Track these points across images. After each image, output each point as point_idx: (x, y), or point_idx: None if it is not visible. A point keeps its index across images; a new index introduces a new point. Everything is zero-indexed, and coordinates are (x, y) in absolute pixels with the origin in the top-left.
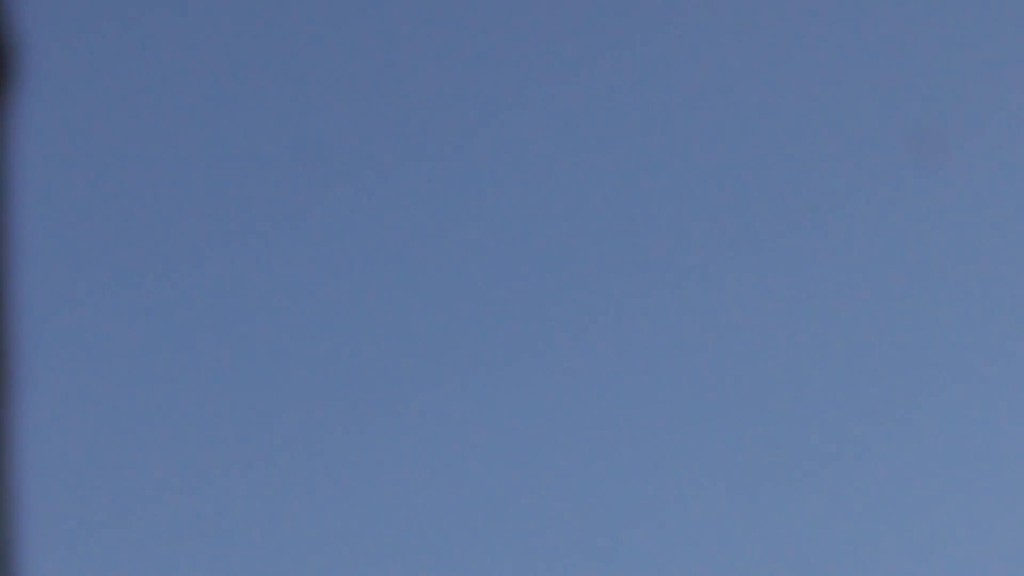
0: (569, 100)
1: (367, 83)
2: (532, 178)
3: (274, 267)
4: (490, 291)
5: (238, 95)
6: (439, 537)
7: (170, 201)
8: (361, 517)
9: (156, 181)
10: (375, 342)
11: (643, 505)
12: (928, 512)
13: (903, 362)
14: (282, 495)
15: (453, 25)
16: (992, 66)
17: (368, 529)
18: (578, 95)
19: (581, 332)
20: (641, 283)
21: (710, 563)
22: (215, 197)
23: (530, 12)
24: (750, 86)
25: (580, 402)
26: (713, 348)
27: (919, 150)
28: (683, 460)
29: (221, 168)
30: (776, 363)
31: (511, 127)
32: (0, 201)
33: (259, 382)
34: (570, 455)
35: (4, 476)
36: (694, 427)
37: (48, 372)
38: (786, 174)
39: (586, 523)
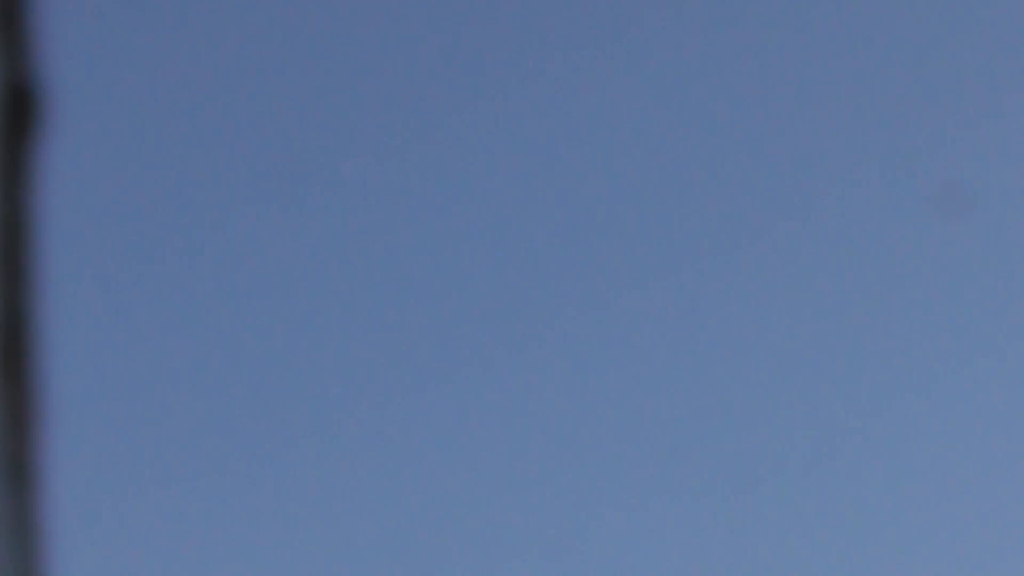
0: (569, 100)
1: (367, 82)
2: (532, 178)
3: (273, 267)
4: (486, 291)
5: (241, 103)
6: (422, 536)
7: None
8: (357, 515)
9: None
10: (374, 342)
11: (633, 505)
12: (915, 516)
13: (934, 423)
14: (281, 495)
15: (453, 23)
16: (1020, 120)
17: (367, 528)
18: (578, 95)
19: (571, 332)
20: (640, 283)
21: (705, 563)
22: (227, 215)
23: (529, 11)
24: (778, 139)
25: (567, 401)
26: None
27: (946, 204)
28: (676, 460)
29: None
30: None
31: (511, 126)
32: (27, 243)
33: (258, 382)
34: (561, 454)
35: (29, 494)
36: (685, 427)
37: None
38: (814, 225)
39: (578, 524)
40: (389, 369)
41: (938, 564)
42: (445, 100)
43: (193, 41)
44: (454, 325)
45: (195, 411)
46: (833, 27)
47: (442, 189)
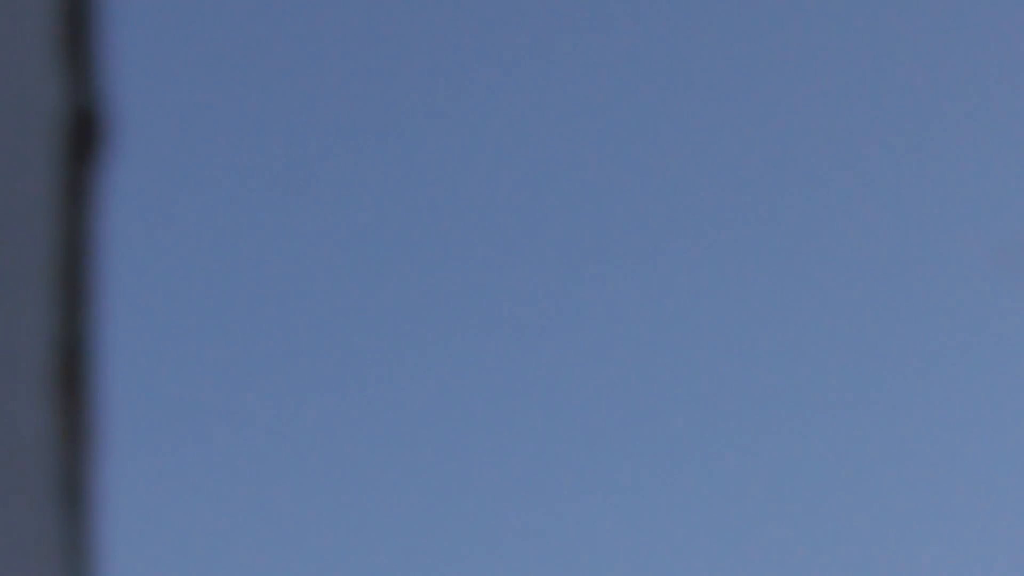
0: (569, 101)
1: (366, 83)
2: (532, 177)
3: (273, 267)
4: (485, 290)
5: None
6: (422, 536)
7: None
8: (356, 515)
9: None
10: (374, 342)
11: (633, 505)
12: (915, 516)
13: (934, 423)
14: (281, 494)
15: (452, 23)
16: None
17: (367, 528)
18: (580, 93)
19: (571, 330)
20: (641, 284)
21: (705, 563)
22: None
23: (529, 8)
24: (837, 199)
25: (567, 401)
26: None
27: (1008, 264)
28: (676, 460)
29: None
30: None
31: (509, 125)
32: (88, 267)
33: (259, 382)
34: (560, 454)
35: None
36: (685, 427)
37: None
38: (874, 287)
39: (578, 523)
40: (389, 369)
41: (938, 564)
42: (442, 97)
43: (259, 65)
44: (453, 324)
45: (254, 433)
46: (898, 70)
47: (442, 189)
